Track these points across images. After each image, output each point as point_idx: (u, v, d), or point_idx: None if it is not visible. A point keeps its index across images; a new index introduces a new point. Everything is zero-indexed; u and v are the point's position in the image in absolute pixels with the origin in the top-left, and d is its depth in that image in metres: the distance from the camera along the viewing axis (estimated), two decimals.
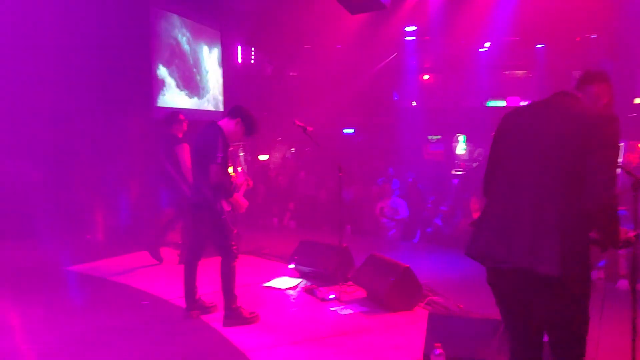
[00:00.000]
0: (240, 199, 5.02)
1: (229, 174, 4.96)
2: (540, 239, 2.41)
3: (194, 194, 5.02)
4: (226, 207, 4.85)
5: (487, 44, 17.64)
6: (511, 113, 2.80)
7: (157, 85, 10.32)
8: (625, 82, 14.04)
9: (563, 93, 2.69)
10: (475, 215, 7.96)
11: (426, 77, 19.84)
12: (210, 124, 4.96)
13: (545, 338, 2.66)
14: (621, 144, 2.55)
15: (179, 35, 11.11)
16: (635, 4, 13.37)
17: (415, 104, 19.53)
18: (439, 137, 20.25)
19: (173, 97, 10.82)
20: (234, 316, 4.89)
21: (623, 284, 6.09)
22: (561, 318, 2.50)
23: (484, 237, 2.64)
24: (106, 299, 5.78)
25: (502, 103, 18.37)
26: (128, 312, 5.32)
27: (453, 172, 15.98)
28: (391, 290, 5.25)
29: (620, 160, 2.55)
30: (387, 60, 18.22)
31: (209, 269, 5.34)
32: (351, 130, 19.80)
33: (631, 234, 2.66)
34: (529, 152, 2.57)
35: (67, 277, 6.66)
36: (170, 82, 10.72)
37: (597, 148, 2.39)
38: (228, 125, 4.93)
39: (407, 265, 5.37)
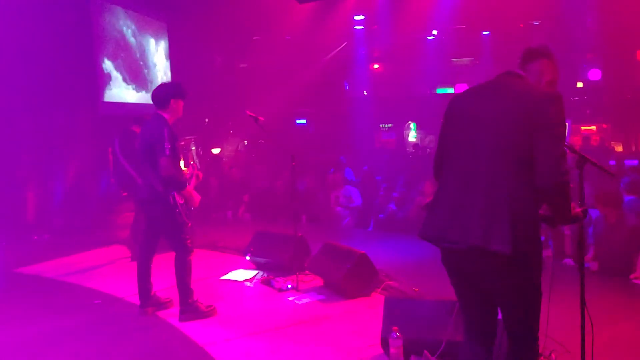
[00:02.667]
0: (192, 192, 4.94)
1: (179, 166, 4.87)
2: (492, 218, 2.45)
3: (144, 189, 4.89)
4: (179, 200, 4.77)
5: (435, 32, 17.91)
6: (459, 96, 2.84)
7: (102, 80, 10.05)
8: (567, 67, 14.48)
9: (507, 73, 2.73)
10: (429, 199, 8.05)
11: (376, 66, 20.00)
12: (153, 116, 4.86)
13: (499, 316, 2.72)
14: (567, 122, 2.60)
15: (124, 28, 10.82)
16: None
17: (366, 93, 19.69)
18: (390, 125, 20.51)
19: (120, 91, 10.55)
20: (190, 310, 4.82)
21: (568, 262, 6.30)
22: (515, 294, 2.56)
23: (437, 219, 2.67)
24: (57, 300, 5.61)
25: (450, 90, 18.72)
26: (80, 312, 5.17)
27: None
28: (347, 277, 5.27)
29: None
30: (336, 50, 18.27)
31: (164, 264, 5.25)
32: (303, 121, 19.84)
33: (578, 209, 2.74)
34: (477, 133, 2.60)
35: (15, 279, 6.43)
36: (116, 76, 10.45)
37: (544, 126, 2.44)
38: (167, 110, 4.83)
39: (363, 251, 5.41)
